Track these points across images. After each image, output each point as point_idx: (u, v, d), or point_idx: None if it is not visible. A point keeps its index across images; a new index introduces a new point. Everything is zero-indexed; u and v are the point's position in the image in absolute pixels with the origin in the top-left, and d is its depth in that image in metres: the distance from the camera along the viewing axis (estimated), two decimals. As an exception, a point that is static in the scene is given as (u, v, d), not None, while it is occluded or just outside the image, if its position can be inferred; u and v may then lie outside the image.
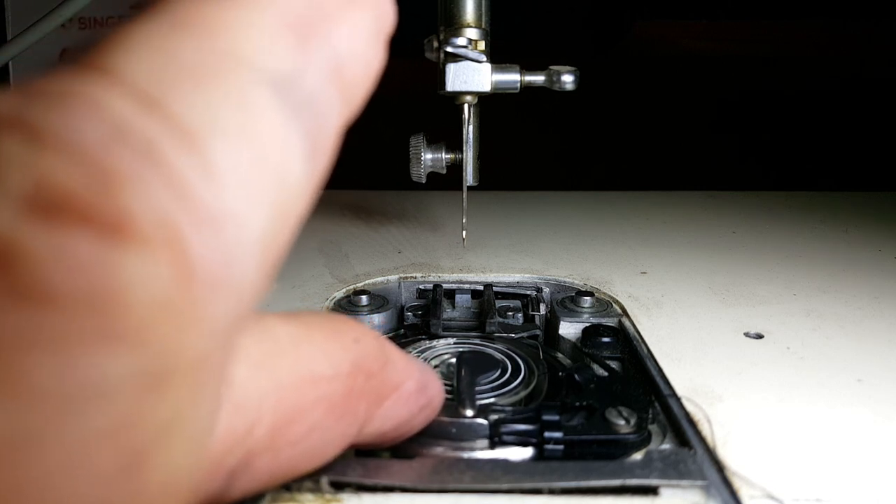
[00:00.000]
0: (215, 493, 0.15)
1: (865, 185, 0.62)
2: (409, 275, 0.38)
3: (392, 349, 0.19)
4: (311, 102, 0.13)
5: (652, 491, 0.20)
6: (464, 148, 0.38)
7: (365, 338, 0.18)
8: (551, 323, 0.34)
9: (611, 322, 0.32)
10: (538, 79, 0.37)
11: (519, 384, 0.27)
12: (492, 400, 0.25)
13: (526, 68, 0.37)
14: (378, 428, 0.19)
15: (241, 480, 0.15)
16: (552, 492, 0.20)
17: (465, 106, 0.37)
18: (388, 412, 0.19)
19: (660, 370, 0.27)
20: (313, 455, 0.17)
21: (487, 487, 0.20)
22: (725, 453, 0.21)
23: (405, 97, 0.87)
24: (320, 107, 0.13)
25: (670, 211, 0.54)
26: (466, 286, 0.37)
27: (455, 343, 0.31)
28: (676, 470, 0.20)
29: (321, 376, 0.16)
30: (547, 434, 0.23)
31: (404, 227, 0.48)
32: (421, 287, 0.37)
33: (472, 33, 0.35)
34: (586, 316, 0.32)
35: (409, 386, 0.19)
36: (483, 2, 0.36)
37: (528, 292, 0.37)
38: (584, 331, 0.31)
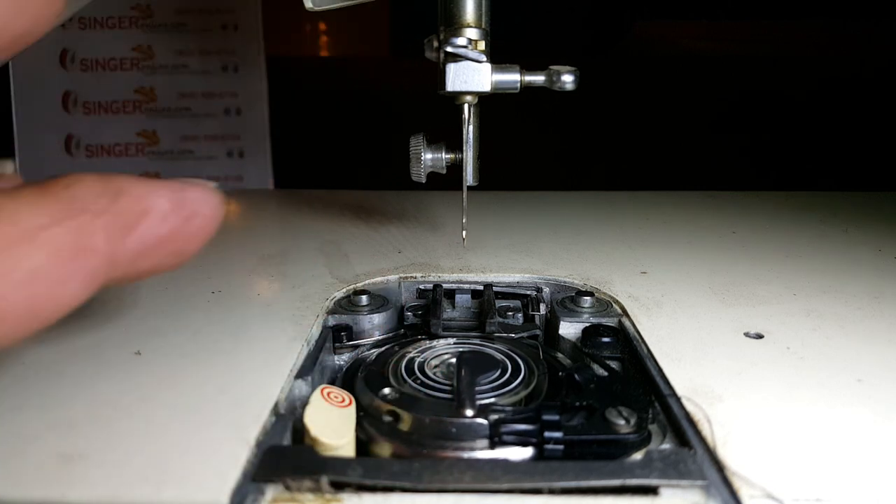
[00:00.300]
0: None
1: (865, 185, 0.62)
2: (409, 275, 0.38)
3: (126, 180, 0.20)
4: None
5: (652, 491, 0.20)
6: (464, 148, 0.38)
7: (78, 181, 0.19)
8: (551, 323, 0.34)
9: (611, 322, 0.32)
10: (538, 79, 0.37)
11: (519, 384, 0.27)
12: (492, 400, 0.25)
13: (526, 68, 0.37)
14: (137, 253, 0.20)
15: None
16: (552, 492, 0.20)
17: (465, 106, 0.37)
18: (141, 237, 0.20)
19: (660, 370, 0.27)
20: (51, 297, 0.18)
21: (487, 487, 0.20)
22: (725, 453, 0.21)
23: (405, 97, 0.87)
24: None
25: (670, 211, 0.54)
26: (466, 286, 0.37)
27: (455, 343, 0.31)
28: (676, 470, 0.20)
29: (32, 226, 0.17)
30: (547, 434, 0.23)
31: (404, 227, 0.48)
32: (421, 287, 0.37)
33: (472, 33, 0.35)
34: (586, 316, 0.32)
35: (161, 205, 0.20)
36: (483, 2, 0.36)
37: (528, 292, 0.37)
38: (584, 331, 0.31)
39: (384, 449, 0.24)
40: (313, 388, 0.25)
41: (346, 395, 0.25)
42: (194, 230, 0.22)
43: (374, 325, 0.33)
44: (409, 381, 0.27)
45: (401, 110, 0.87)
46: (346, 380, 0.29)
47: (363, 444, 0.24)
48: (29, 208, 0.18)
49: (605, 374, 0.28)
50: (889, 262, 0.40)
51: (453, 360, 0.29)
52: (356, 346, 0.32)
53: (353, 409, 0.25)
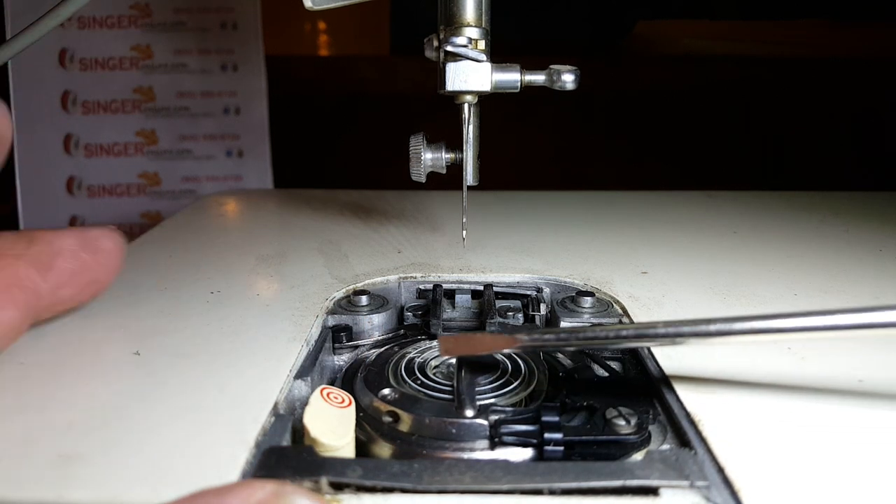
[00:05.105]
0: None
1: (865, 185, 0.62)
2: (409, 275, 0.38)
3: (36, 232, 0.26)
4: None
5: (652, 492, 0.20)
6: (464, 148, 0.38)
7: None
8: (552, 323, 0.34)
9: (611, 322, 0.32)
10: (538, 79, 0.37)
11: (519, 385, 0.27)
12: (492, 401, 0.25)
13: (526, 68, 0.37)
14: (57, 285, 0.26)
15: None
16: (552, 492, 0.20)
17: (465, 105, 0.37)
18: (59, 272, 0.26)
19: (660, 370, 0.27)
20: None
21: (487, 488, 0.20)
22: (726, 454, 0.21)
23: (405, 97, 0.87)
24: None
25: (670, 211, 0.54)
26: (466, 286, 0.37)
27: (455, 343, 0.31)
28: (677, 471, 0.20)
29: None
30: (547, 435, 0.23)
31: (404, 227, 0.48)
32: (421, 287, 0.37)
33: (472, 32, 0.35)
34: (587, 316, 0.32)
35: (69, 245, 0.26)
36: (483, 1, 0.36)
37: (529, 292, 0.37)
38: (585, 331, 0.31)
39: (384, 449, 0.24)
40: (313, 389, 0.25)
41: (346, 396, 0.25)
42: (102, 261, 0.28)
43: (373, 325, 0.33)
44: (409, 381, 0.27)
45: (401, 110, 0.87)
46: (345, 380, 0.29)
47: (363, 445, 0.24)
48: None
49: (606, 374, 0.28)
50: (889, 262, 0.40)
51: (453, 360, 0.29)
52: (356, 347, 0.32)
53: (352, 409, 0.25)
